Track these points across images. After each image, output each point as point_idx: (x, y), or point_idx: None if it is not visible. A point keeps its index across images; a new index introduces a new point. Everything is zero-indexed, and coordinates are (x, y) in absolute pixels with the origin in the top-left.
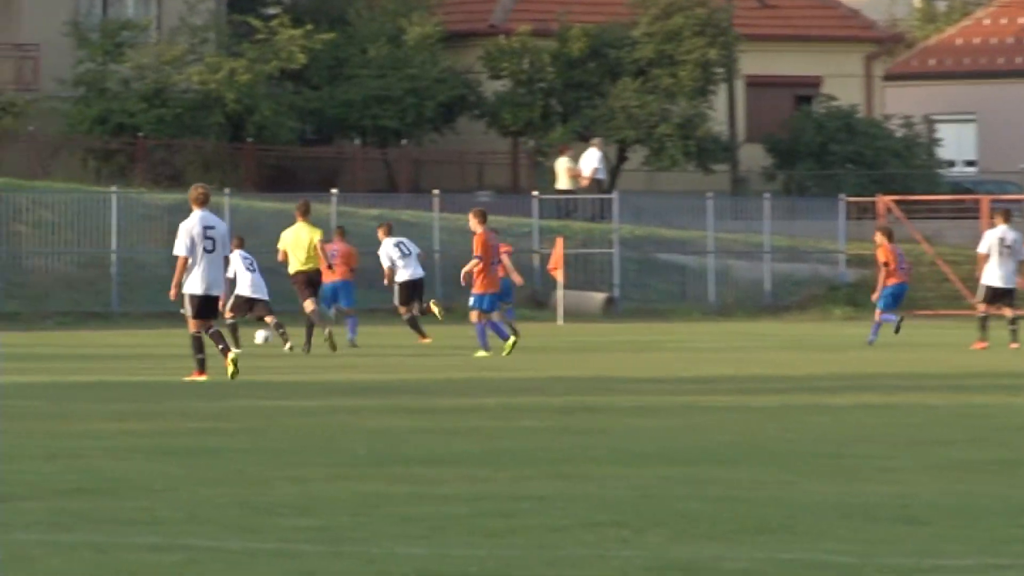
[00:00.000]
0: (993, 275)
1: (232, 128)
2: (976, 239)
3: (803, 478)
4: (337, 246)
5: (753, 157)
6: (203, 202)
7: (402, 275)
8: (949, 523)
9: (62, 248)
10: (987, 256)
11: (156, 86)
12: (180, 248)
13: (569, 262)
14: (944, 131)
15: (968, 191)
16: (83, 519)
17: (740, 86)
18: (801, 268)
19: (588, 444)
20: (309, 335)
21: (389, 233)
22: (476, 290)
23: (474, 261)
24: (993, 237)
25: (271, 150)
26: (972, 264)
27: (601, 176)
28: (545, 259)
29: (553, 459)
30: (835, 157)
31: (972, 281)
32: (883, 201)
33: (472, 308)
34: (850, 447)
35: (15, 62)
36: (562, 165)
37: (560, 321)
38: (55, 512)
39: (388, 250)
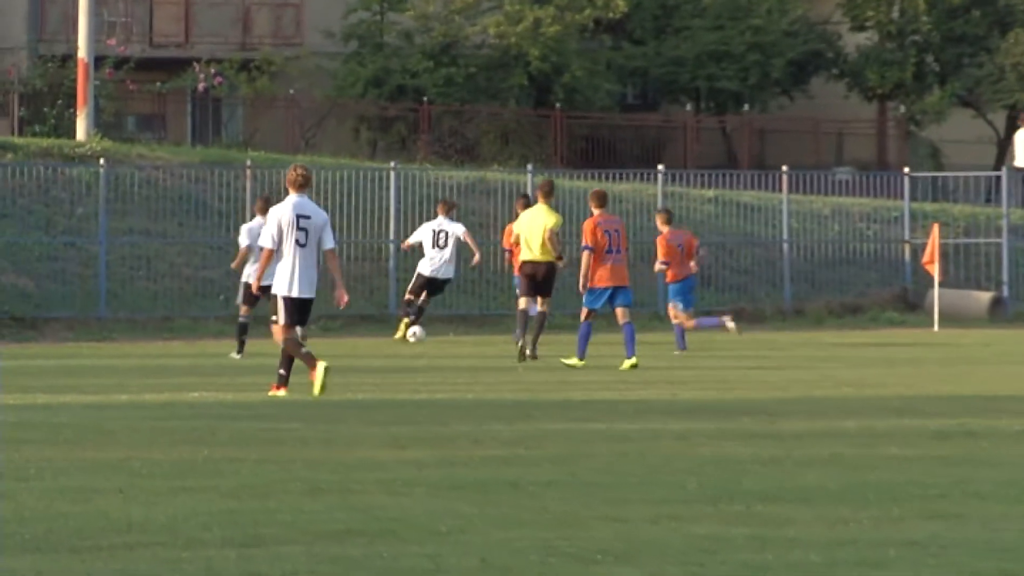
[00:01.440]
0: None
1: (536, 92)
2: None
3: None
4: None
5: None
6: (302, 185)
7: (424, 267)
8: None
9: None
10: None
11: (444, 40)
12: (266, 239)
13: (947, 254)
14: None
15: None
16: (353, 567)
17: None
18: None
19: (970, 477)
20: (535, 336)
21: (447, 213)
22: (589, 284)
23: (584, 253)
24: None
25: (584, 118)
26: None
27: None
28: (918, 251)
29: (927, 495)
30: None
31: None
32: None
33: (584, 306)
34: None
35: (272, 11)
36: (1023, 138)
37: (936, 326)
38: (319, 559)
39: (424, 232)
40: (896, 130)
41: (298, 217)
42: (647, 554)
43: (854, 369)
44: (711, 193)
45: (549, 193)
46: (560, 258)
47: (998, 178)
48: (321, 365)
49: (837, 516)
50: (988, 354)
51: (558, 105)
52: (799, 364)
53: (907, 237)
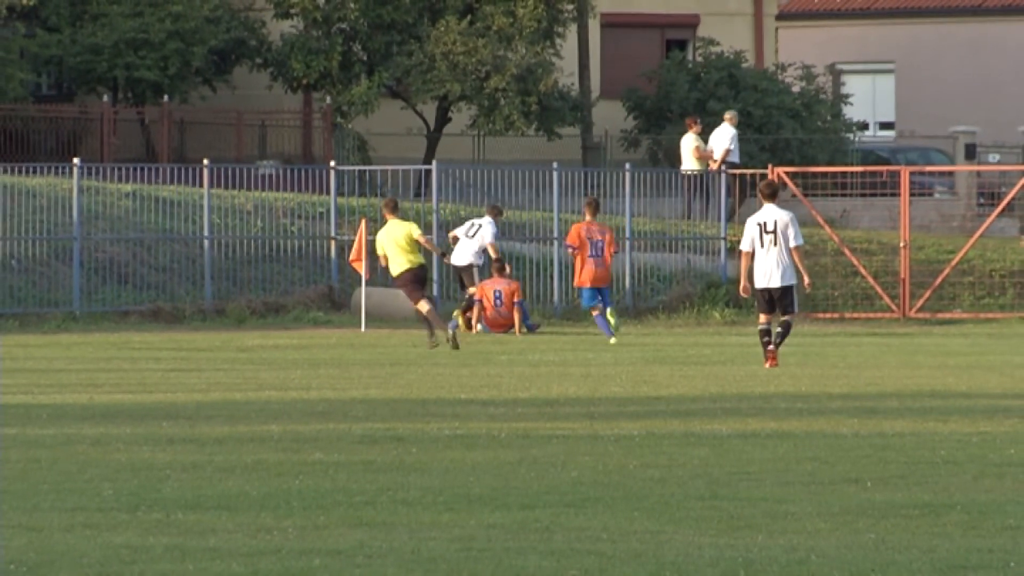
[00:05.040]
0: None
1: None
2: (894, 220)
3: (672, 526)
4: None
5: (611, 118)
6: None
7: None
8: None
9: None
10: None
11: None
12: None
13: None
14: (854, 85)
15: (884, 161)
16: None
17: (595, 27)
18: (670, 259)
19: (398, 483)
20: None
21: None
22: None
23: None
24: None
25: None
26: (887, 255)
27: (736, 159)
28: (345, 247)
29: (353, 503)
30: (715, 118)
31: (888, 275)
32: (775, 173)
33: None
34: (732, 487)
35: None
36: (689, 143)
37: (363, 327)
38: None
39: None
40: (322, 122)
41: None
42: (62, 564)
43: (277, 371)
44: (129, 188)
45: (395, 208)
46: (444, 254)
47: (428, 172)
48: None
49: (260, 524)
50: (415, 355)
51: None
52: (220, 366)
53: (333, 233)
